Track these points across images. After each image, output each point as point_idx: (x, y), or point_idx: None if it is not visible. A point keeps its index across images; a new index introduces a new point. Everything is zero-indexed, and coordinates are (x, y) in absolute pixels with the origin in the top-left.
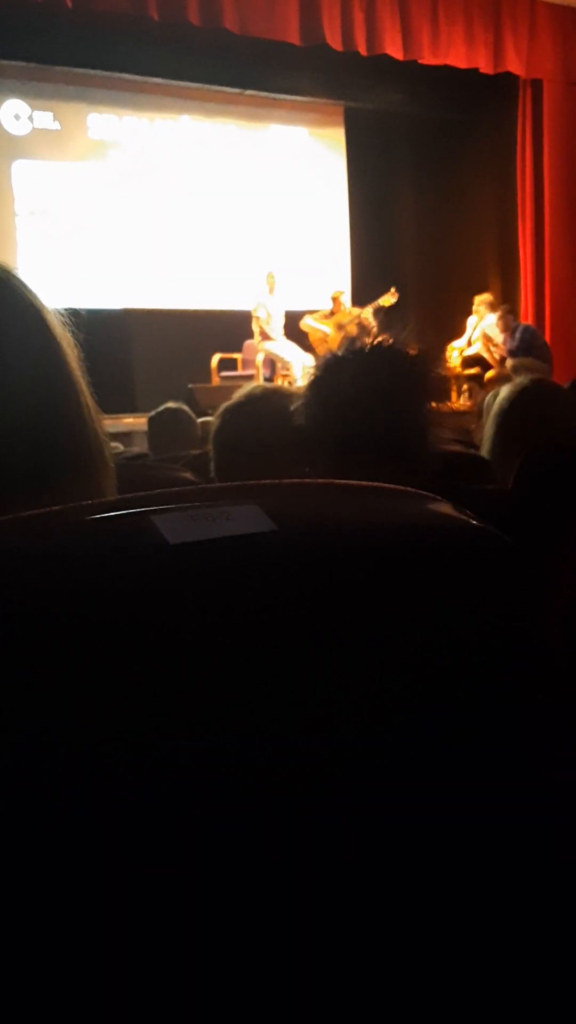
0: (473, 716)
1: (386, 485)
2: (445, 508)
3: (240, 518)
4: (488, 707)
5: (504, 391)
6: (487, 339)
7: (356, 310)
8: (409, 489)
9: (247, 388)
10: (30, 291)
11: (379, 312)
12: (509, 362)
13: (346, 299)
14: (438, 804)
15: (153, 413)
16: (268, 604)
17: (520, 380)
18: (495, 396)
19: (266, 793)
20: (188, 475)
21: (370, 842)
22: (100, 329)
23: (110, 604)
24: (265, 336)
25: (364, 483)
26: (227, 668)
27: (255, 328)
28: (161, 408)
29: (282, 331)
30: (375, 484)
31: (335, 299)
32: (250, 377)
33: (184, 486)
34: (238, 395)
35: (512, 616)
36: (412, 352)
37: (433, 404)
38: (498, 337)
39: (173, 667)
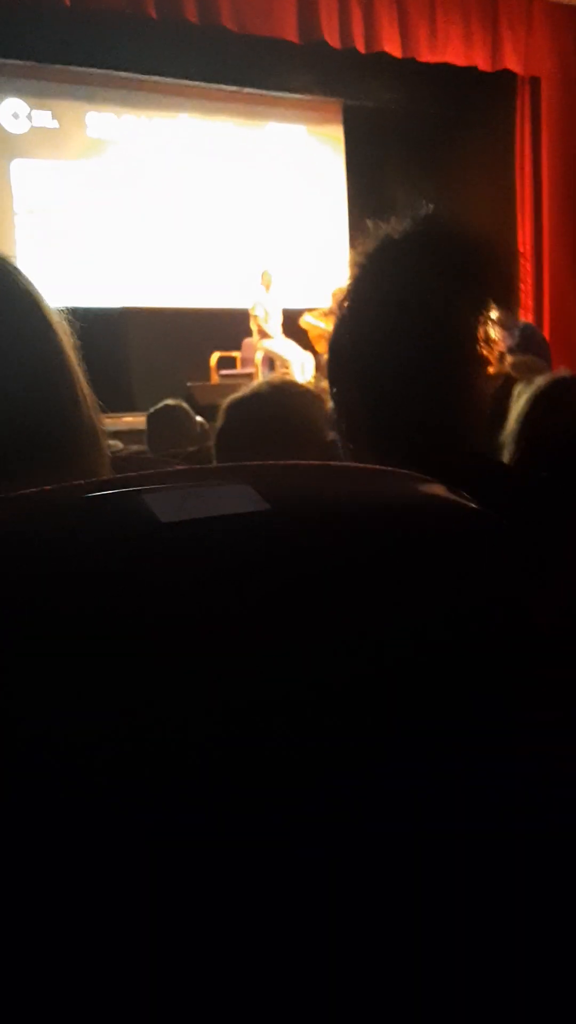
0: (463, 697)
1: (381, 467)
2: (438, 490)
3: (232, 498)
4: (479, 689)
5: (541, 379)
6: None
7: None
8: (403, 471)
9: (255, 385)
10: (25, 278)
11: None
12: (508, 359)
13: None
14: (430, 784)
15: (152, 411)
16: (259, 583)
17: (560, 372)
18: (528, 383)
19: (261, 772)
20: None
21: (366, 820)
22: (99, 328)
23: (100, 582)
24: (264, 334)
25: (357, 465)
26: (218, 647)
27: (253, 327)
28: (160, 405)
29: (280, 329)
30: (369, 466)
31: (336, 296)
32: (249, 375)
33: None
34: (245, 391)
35: (506, 599)
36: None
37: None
38: (496, 334)
39: (164, 646)
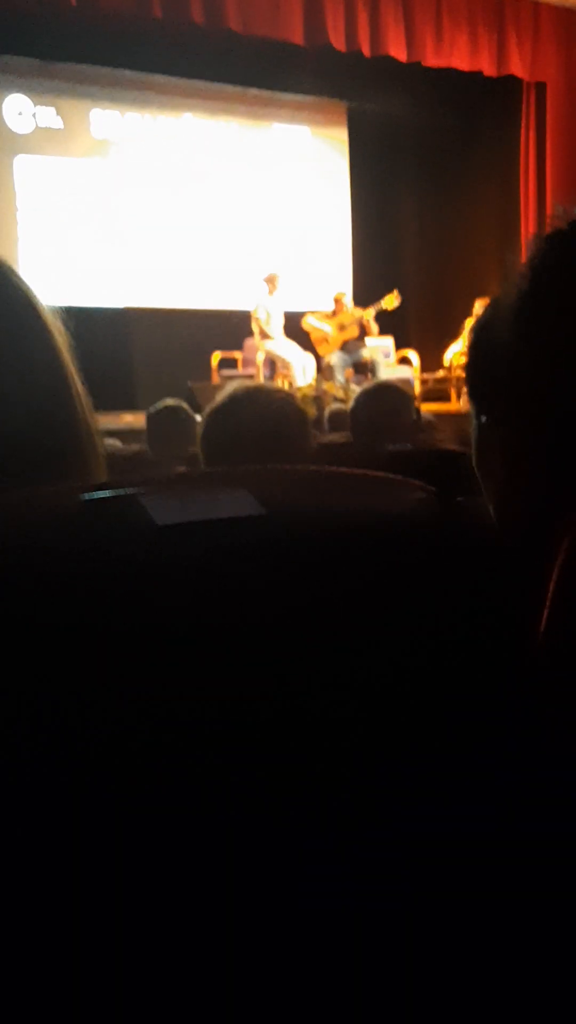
0: (452, 703)
1: (379, 474)
2: (432, 498)
3: (229, 502)
4: (469, 693)
5: None
6: None
7: (358, 311)
8: (400, 478)
9: (229, 389)
10: (18, 277)
11: (380, 314)
12: None
13: (348, 300)
14: (424, 792)
15: (152, 411)
16: (255, 586)
17: None
18: None
19: (255, 774)
20: (185, 471)
21: (359, 823)
22: (101, 327)
23: (97, 583)
24: (265, 335)
25: (353, 471)
26: (213, 648)
27: (255, 328)
28: (160, 406)
29: (282, 331)
30: (365, 472)
31: (337, 300)
32: (250, 376)
33: None
34: (221, 397)
35: (497, 608)
36: None
37: None
38: None
39: (160, 647)
